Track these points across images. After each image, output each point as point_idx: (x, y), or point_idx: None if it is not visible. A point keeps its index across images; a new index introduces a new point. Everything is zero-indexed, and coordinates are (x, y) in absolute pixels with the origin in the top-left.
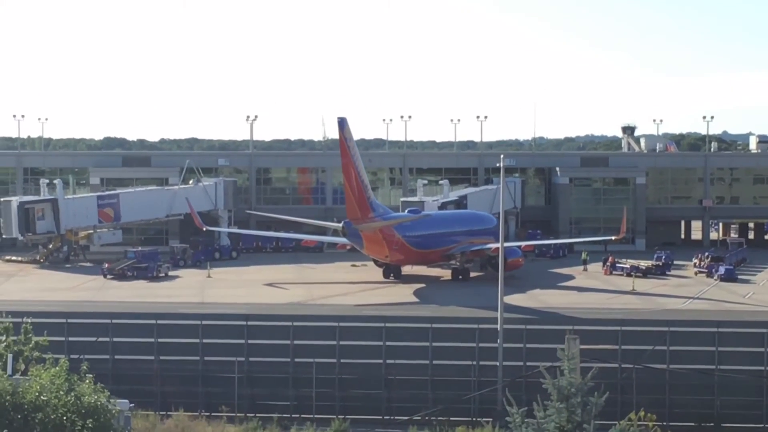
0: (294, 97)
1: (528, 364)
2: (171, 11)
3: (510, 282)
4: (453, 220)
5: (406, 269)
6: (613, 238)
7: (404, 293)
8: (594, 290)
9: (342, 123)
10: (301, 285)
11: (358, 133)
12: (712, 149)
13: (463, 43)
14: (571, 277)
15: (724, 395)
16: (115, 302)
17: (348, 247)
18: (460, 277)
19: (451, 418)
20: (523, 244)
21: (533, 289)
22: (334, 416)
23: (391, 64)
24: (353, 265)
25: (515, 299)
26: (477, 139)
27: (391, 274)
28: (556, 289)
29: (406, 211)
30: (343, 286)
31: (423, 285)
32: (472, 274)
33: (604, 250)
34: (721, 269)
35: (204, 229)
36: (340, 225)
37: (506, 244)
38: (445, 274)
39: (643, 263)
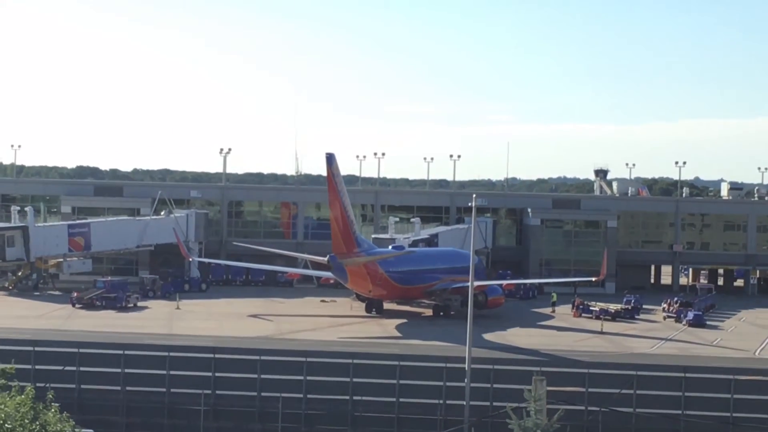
0: (267, 132)
1: (495, 404)
2: (146, 43)
3: (487, 320)
4: (435, 258)
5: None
6: (593, 279)
7: (374, 330)
8: (566, 329)
9: (330, 158)
10: (282, 317)
11: None
12: (683, 195)
13: (436, 83)
14: (549, 317)
15: None
16: (83, 331)
17: (332, 281)
18: (441, 314)
19: None
20: (504, 283)
21: (512, 328)
22: None
23: (366, 101)
24: (322, 300)
25: (488, 338)
26: (450, 178)
27: (374, 309)
28: (533, 328)
29: (390, 247)
30: (313, 321)
31: (404, 320)
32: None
33: (573, 292)
34: (690, 314)
35: (190, 259)
36: (326, 259)
37: (488, 283)
38: (427, 310)
39: (613, 306)
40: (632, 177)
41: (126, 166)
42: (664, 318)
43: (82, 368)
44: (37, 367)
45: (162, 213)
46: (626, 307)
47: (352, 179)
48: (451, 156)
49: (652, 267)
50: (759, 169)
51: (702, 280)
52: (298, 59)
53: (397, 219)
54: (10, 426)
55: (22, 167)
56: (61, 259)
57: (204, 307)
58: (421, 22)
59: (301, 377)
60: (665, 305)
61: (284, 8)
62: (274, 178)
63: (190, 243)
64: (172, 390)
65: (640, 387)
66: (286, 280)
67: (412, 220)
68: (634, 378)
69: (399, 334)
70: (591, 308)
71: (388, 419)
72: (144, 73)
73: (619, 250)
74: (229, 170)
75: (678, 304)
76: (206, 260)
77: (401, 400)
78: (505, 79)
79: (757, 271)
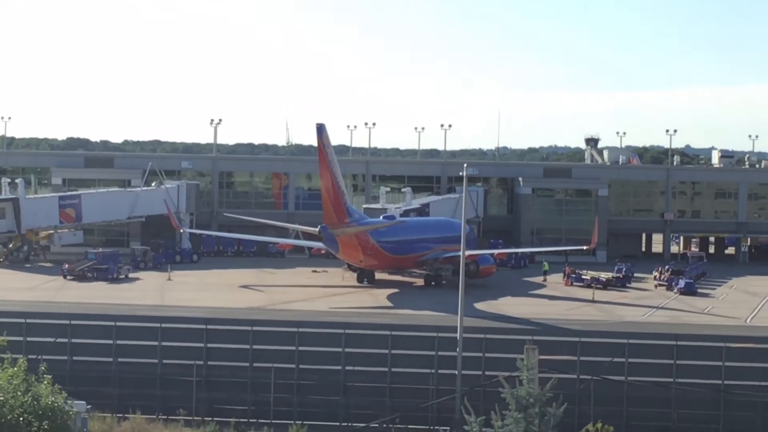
0: (258, 102)
1: (487, 373)
2: (136, 12)
3: (479, 289)
4: (427, 227)
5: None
6: (585, 248)
7: (366, 299)
8: (557, 298)
9: (321, 129)
10: (274, 288)
11: None
12: (674, 163)
13: (427, 52)
14: (541, 286)
15: (682, 408)
16: (75, 303)
17: (323, 251)
18: (433, 283)
19: (409, 426)
20: (495, 252)
21: (504, 297)
22: (292, 422)
23: (356, 70)
24: (314, 271)
25: (480, 307)
26: (441, 148)
27: (365, 279)
28: (525, 297)
29: (381, 217)
30: (305, 291)
31: (396, 290)
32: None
33: (564, 261)
34: (681, 283)
35: (182, 230)
36: (317, 229)
37: (480, 252)
38: (418, 280)
39: (604, 275)
40: (623, 145)
41: (116, 138)
42: (656, 286)
43: (73, 340)
44: (28, 339)
45: (153, 184)
46: (617, 275)
47: (342, 149)
48: (441, 125)
49: (643, 235)
50: (749, 136)
51: (693, 248)
52: (288, 29)
53: (388, 189)
54: (2, 398)
55: (12, 139)
56: (52, 231)
57: (195, 278)
58: None
59: (293, 347)
60: (656, 273)
61: None
62: (265, 148)
63: (181, 214)
64: (164, 361)
65: (632, 355)
66: (278, 251)
67: (403, 189)
68: (626, 346)
69: (390, 304)
70: (582, 277)
71: (380, 389)
72: (133, 43)
73: (610, 218)
74: (219, 141)
75: (669, 272)
76: (197, 231)
77: (393, 369)
78: (495, 47)
79: (748, 239)
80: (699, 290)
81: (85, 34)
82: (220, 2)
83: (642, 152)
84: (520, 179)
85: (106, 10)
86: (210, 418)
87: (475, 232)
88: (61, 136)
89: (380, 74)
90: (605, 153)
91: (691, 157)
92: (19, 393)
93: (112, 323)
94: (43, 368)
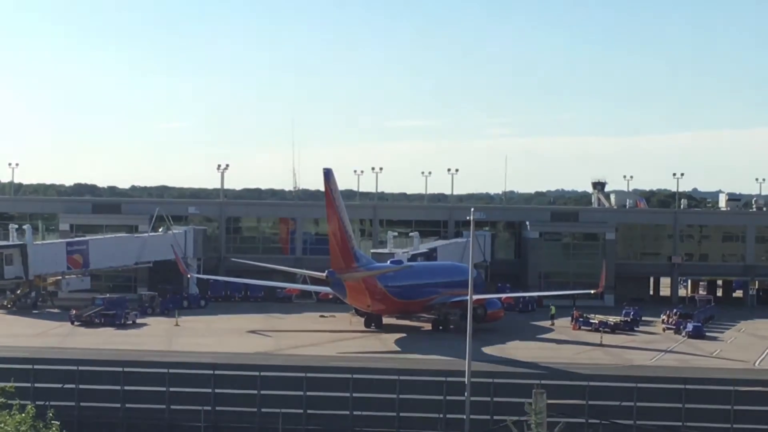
0: (265, 147)
1: (495, 417)
2: (143, 57)
3: (487, 334)
4: (434, 272)
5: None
6: (592, 291)
7: (374, 344)
8: (566, 342)
9: (328, 174)
10: (282, 333)
11: None
12: (681, 206)
13: (434, 97)
14: (549, 330)
15: None
16: (82, 349)
17: (331, 296)
18: (441, 327)
19: None
20: (503, 296)
21: (512, 341)
22: None
23: (363, 115)
24: (321, 316)
25: (488, 351)
26: (448, 192)
27: (373, 324)
28: (533, 341)
29: (389, 261)
30: (313, 336)
31: (404, 335)
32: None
33: (572, 305)
34: (689, 326)
35: (189, 276)
36: (325, 274)
37: (488, 296)
38: (426, 324)
39: (612, 319)
40: (630, 189)
41: (124, 184)
42: (664, 330)
43: (81, 386)
44: (36, 385)
45: (160, 230)
46: (625, 319)
47: (350, 194)
48: (449, 170)
49: (651, 279)
50: (756, 179)
51: (701, 292)
52: (295, 75)
53: (396, 233)
54: None
55: (20, 185)
56: (60, 277)
57: (203, 323)
58: (418, 36)
59: (301, 393)
60: (664, 317)
61: (282, 24)
62: (272, 193)
63: (189, 259)
64: (172, 407)
65: (641, 399)
66: (285, 296)
67: (410, 234)
68: (635, 390)
69: (398, 349)
70: (590, 321)
71: None
72: (141, 90)
73: (617, 262)
74: (226, 186)
75: (677, 316)
76: (205, 276)
77: (401, 414)
78: (502, 92)
79: (756, 282)
80: (707, 334)
81: (92, 81)
82: (227, 48)
83: (649, 196)
84: (528, 223)
85: (114, 57)
86: None
87: (482, 276)
88: (69, 182)
89: (386, 119)
90: (612, 197)
91: (698, 200)
92: None
93: (120, 369)
94: (50, 414)
